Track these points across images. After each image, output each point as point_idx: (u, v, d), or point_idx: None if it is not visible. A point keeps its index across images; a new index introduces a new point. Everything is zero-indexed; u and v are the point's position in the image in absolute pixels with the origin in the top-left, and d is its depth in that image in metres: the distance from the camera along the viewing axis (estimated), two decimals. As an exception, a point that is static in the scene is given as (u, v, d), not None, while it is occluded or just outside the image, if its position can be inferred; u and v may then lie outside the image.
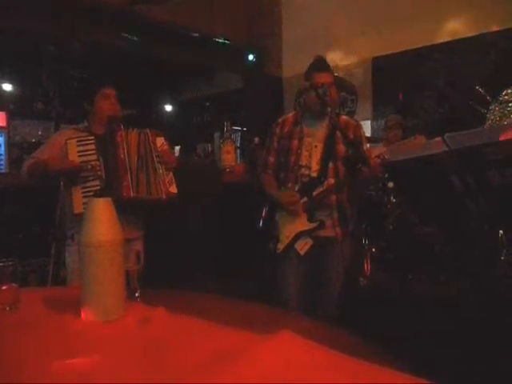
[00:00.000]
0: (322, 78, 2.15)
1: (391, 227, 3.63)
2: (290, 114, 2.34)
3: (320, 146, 2.20)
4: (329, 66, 2.23)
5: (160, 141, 2.15)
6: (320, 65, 2.21)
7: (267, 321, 1.15)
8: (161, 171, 2.10)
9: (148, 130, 2.14)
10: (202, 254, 3.54)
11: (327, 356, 0.88)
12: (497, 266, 2.74)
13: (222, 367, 0.83)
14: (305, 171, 2.20)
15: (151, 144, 2.10)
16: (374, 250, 3.65)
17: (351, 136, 2.20)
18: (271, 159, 2.31)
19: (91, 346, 0.97)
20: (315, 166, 2.19)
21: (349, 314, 2.51)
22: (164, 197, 2.08)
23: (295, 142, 2.23)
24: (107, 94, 2.12)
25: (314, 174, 2.19)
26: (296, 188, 2.21)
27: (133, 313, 1.14)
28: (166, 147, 2.16)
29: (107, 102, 2.11)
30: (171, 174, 2.14)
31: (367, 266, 3.51)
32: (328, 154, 2.18)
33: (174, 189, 2.13)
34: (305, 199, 2.18)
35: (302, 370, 0.83)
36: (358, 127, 2.30)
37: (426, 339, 2.42)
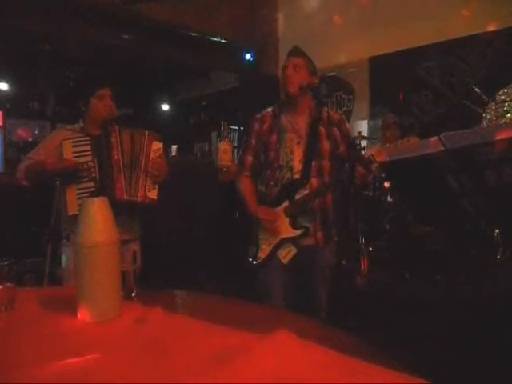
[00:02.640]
0: (293, 61, 2.07)
1: (388, 226, 3.64)
2: (270, 109, 2.18)
3: (303, 143, 2.06)
4: (301, 51, 2.12)
5: (156, 145, 2.12)
6: (294, 50, 2.12)
7: (264, 321, 1.15)
8: (144, 174, 2.07)
9: (147, 132, 2.11)
10: (199, 253, 3.54)
11: (324, 355, 0.88)
12: (493, 266, 2.75)
13: (219, 367, 0.83)
14: (286, 172, 2.05)
15: (145, 146, 2.08)
16: (370, 249, 3.65)
17: (337, 132, 2.10)
18: (249, 158, 2.14)
19: (87, 346, 0.97)
20: (298, 166, 2.05)
21: (345, 313, 2.52)
22: (138, 200, 2.04)
23: (274, 138, 2.08)
24: (102, 94, 2.10)
25: (297, 176, 2.04)
26: (276, 190, 2.07)
27: (129, 313, 1.14)
28: (159, 153, 2.12)
29: (102, 104, 2.09)
30: (154, 180, 2.10)
31: (364, 265, 3.52)
32: (311, 151, 2.04)
33: (153, 194, 2.07)
34: (286, 203, 2.04)
35: (299, 370, 0.83)
36: (342, 121, 2.17)
37: (422, 338, 2.42)
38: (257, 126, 2.16)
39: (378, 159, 1.96)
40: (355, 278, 3.44)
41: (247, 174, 2.16)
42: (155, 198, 2.08)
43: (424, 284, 3.20)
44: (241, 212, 2.17)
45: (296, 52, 2.12)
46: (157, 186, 2.09)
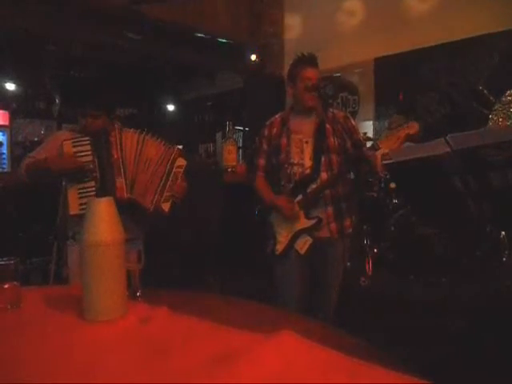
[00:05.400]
0: (313, 73, 2.14)
1: (393, 228, 3.63)
2: (277, 116, 2.32)
3: (311, 142, 2.18)
4: (317, 60, 2.19)
5: (181, 161, 2.16)
6: (313, 60, 2.18)
7: (269, 321, 1.15)
8: (160, 182, 2.09)
9: (176, 147, 2.18)
10: (204, 253, 3.54)
11: (328, 356, 0.88)
12: (499, 268, 2.74)
13: (224, 367, 0.83)
14: (298, 169, 2.17)
15: (171, 158, 2.12)
16: (375, 250, 3.65)
17: (340, 129, 2.18)
18: (261, 161, 2.29)
19: (92, 346, 0.97)
20: (308, 163, 2.16)
21: (350, 314, 2.51)
22: (151, 208, 2.06)
23: (284, 141, 2.21)
24: (84, 114, 2.11)
25: (308, 171, 2.16)
26: (289, 186, 2.18)
27: (134, 312, 1.14)
28: (182, 170, 2.15)
29: (84, 120, 2.11)
30: (169, 194, 2.12)
31: (368, 266, 3.51)
32: (319, 148, 2.15)
33: (166, 207, 2.10)
34: (300, 197, 2.15)
35: (304, 371, 0.83)
36: (347, 118, 2.27)
37: (426, 340, 2.42)
38: (267, 131, 2.30)
39: (381, 146, 2.00)
40: (359, 279, 3.44)
41: (261, 174, 2.31)
42: (166, 210, 2.10)
43: (429, 286, 3.19)
44: (260, 209, 2.33)
45: (315, 62, 2.18)
46: (171, 200, 2.11)
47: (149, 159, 2.09)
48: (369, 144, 2.25)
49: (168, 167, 2.11)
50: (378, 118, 4.90)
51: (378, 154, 2.02)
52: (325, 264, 2.20)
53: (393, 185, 3.68)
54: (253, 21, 5.59)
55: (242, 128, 6.43)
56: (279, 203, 2.15)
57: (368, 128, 4.81)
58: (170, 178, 2.10)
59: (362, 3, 4.89)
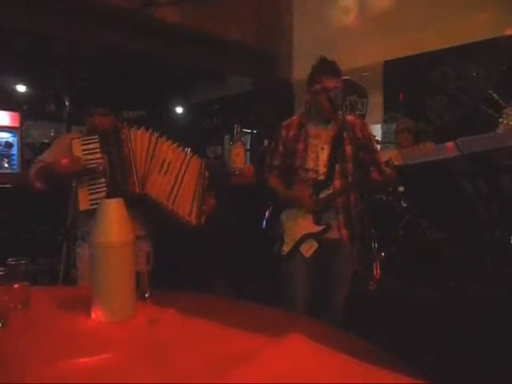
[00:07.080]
0: (333, 82, 2.12)
1: (401, 232, 3.60)
2: (295, 117, 2.30)
3: (327, 148, 2.17)
4: (339, 70, 2.18)
5: (207, 173, 2.22)
6: (331, 69, 2.16)
7: (277, 324, 1.15)
8: (201, 200, 2.13)
9: (203, 159, 2.25)
10: (212, 255, 3.54)
11: (336, 360, 0.88)
12: (508, 272, 2.71)
13: (231, 369, 0.83)
14: (312, 174, 2.17)
15: (203, 170, 2.18)
16: (383, 254, 3.62)
17: (359, 136, 2.17)
18: (276, 162, 2.28)
19: (101, 346, 0.97)
20: (322, 169, 2.16)
21: (357, 318, 2.50)
22: (194, 222, 2.09)
23: (301, 145, 2.20)
24: (92, 113, 2.13)
25: (322, 177, 2.16)
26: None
27: (143, 314, 1.15)
28: (207, 182, 2.21)
29: (92, 119, 2.13)
30: (204, 208, 2.17)
31: (376, 271, 3.48)
32: (335, 155, 2.15)
33: (203, 220, 2.15)
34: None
35: (311, 374, 0.83)
36: (365, 126, 2.26)
37: (434, 344, 2.40)
38: (284, 133, 2.27)
39: (396, 163, 1.99)
40: (367, 283, 3.41)
41: (275, 173, 2.29)
42: (202, 224, 2.15)
43: (437, 290, 3.17)
44: (272, 209, 2.35)
45: (338, 72, 2.16)
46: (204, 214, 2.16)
47: (167, 161, 2.09)
48: (377, 147, 2.25)
49: (201, 181, 2.16)
50: (386, 121, 4.87)
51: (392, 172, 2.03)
52: (333, 265, 2.20)
53: (401, 188, 3.66)
54: (262, 24, 5.60)
55: (250, 131, 6.44)
56: (292, 195, 2.17)
57: (376, 131, 4.79)
58: (204, 193, 2.16)
59: (371, 6, 4.89)
